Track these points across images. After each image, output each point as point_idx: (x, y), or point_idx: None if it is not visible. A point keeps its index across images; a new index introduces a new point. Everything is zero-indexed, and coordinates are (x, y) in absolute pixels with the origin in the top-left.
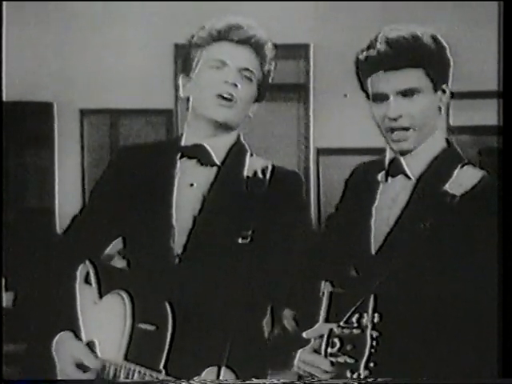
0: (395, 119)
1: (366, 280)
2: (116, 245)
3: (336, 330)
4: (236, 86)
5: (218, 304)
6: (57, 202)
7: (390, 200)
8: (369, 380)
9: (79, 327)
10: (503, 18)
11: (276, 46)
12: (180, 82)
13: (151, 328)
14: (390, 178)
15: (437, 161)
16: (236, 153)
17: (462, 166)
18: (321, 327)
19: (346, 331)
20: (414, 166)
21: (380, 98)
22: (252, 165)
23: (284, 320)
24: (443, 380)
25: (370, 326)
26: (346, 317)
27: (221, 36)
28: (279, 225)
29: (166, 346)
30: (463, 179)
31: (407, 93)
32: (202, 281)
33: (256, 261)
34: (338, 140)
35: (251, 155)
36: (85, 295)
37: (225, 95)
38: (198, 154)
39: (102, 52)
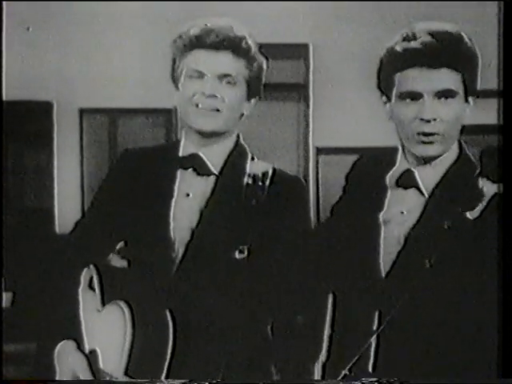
0: (429, 121)
1: (375, 304)
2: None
3: None
4: (215, 96)
5: (218, 315)
6: (56, 201)
7: (400, 214)
8: (369, 380)
9: (82, 334)
10: (503, 18)
11: (261, 45)
12: (172, 88)
13: None
14: (400, 190)
15: (450, 173)
16: (236, 158)
17: (477, 177)
18: None
19: None
20: (429, 179)
21: (412, 96)
22: (252, 170)
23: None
24: (444, 380)
25: None
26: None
27: (195, 43)
28: (279, 236)
29: (168, 357)
30: (477, 196)
31: (444, 95)
32: (201, 293)
33: (254, 274)
34: (338, 139)
35: (252, 159)
36: (88, 301)
37: (205, 107)
38: (194, 163)
39: (102, 51)
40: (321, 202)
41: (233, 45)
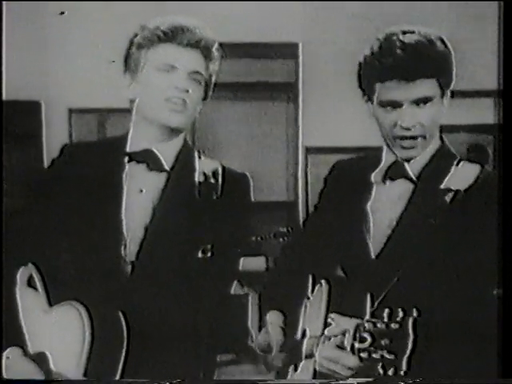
0: (408, 128)
1: (366, 285)
2: None
3: (366, 326)
4: (187, 91)
5: (176, 315)
6: None
7: (391, 203)
8: (370, 380)
9: (24, 336)
10: (503, 18)
11: (221, 45)
12: (125, 82)
13: None
14: (388, 181)
15: (433, 160)
16: (185, 156)
17: (458, 163)
18: (344, 323)
19: (381, 326)
20: (414, 168)
21: (392, 105)
22: (202, 168)
23: (269, 325)
24: (444, 380)
25: (411, 321)
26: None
27: (167, 38)
28: (236, 232)
29: (122, 357)
30: (464, 174)
31: (422, 101)
32: (158, 291)
33: (214, 273)
34: (327, 138)
35: (199, 157)
36: (30, 301)
37: (176, 101)
38: (147, 159)
39: (91, 51)
40: (310, 200)
41: (206, 47)
